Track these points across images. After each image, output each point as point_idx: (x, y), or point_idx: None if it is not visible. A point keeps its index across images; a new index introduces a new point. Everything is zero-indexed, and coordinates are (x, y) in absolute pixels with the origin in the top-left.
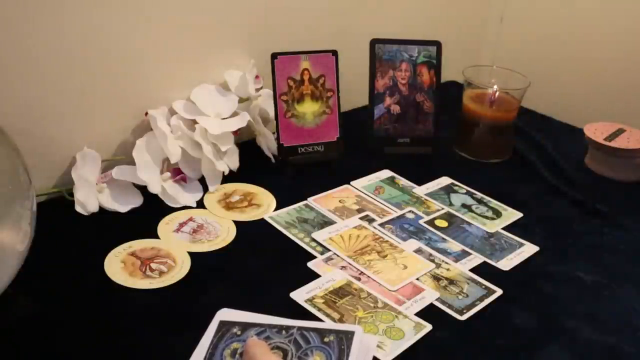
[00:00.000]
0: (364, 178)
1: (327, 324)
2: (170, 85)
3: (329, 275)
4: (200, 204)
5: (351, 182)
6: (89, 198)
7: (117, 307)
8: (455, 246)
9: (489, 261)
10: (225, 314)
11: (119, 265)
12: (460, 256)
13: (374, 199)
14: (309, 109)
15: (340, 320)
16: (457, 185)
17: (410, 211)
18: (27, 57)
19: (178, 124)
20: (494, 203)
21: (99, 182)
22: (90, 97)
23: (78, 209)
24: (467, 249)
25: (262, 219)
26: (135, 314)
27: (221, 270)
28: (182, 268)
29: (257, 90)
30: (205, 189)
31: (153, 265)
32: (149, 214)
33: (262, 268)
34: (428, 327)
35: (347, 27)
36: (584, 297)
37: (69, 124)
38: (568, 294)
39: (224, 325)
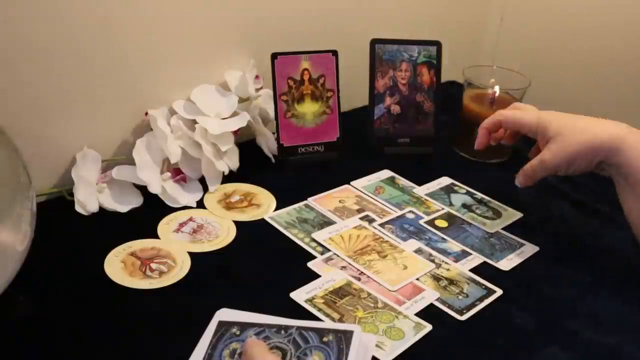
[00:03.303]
0: (364, 178)
1: (326, 323)
2: (170, 85)
3: (329, 276)
4: (200, 204)
5: (351, 182)
6: (89, 198)
7: (117, 307)
8: (455, 246)
9: (489, 261)
10: (224, 314)
11: (119, 265)
12: (460, 256)
13: (374, 199)
14: (309, 109)
15: (341, 321)
16: (457, 186)
17: (410, 211)
18: (27, 57)
19: (178, 124)
20: (494, 203)
21: (99, 182)
22: (90, 97)
23: (78, 209)
24: (467, 249)
25: (262, 219)
26: (135, 314)
27: (221, 271)
28: (182, 268)
29: (257, 90)
30: (205, 189)
31: (153, 266)
32: (149, 214)
33: (262, 268)
34: (428, 327)
35: (347, 27)
36: (584, 297)
37: (69, 124)
38: (568, 294)
39: (223, 326)
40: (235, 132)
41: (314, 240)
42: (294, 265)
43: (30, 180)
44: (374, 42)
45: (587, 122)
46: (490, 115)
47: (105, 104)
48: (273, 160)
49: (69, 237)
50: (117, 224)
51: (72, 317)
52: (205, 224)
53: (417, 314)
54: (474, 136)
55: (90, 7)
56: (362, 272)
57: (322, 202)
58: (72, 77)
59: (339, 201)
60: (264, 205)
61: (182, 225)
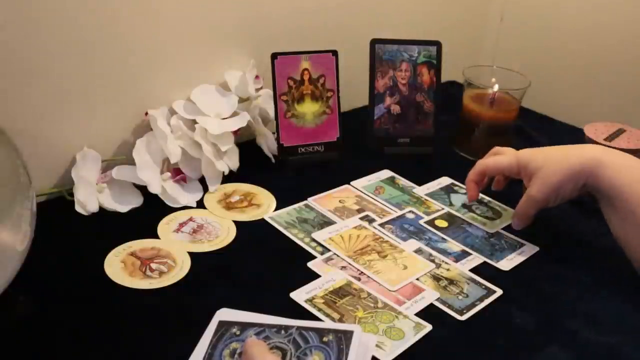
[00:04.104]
0: (364, 178)
1: (326, 323)
2: (170, 85)
3: (329, 276)
4: (200, 204)
5: (351, 182)
6: (89, 198)
7: (117, 307)
8: (455, 246)
9: (489, 261)
10: (225, 314)
11: (119, 265)
12: (460, 256)
13: (374, 199)
14: (309, 109)
15: (341, 321)
16: (457, 185)
17: (410, 211)
18: (27, 57)
19: (178, 124)
20: (494, 203)
21: (99, 182)
22: (90, 97)
23: (78, 209)
24: (467, 249)
25: (262, 219)
26: (135, 314)
27: (221, 271)
28: (182, 268)
29: (257, 90)
30: (205, 189)
31: (153, 266)
32: (149, 214)
33: (262, 268)
34: (428, 327)
35: (347, 27)
36: (584, 297)
37: (69, 124)
38: (568, 294)
39: (223, 325)
40: (235, 132)
41: (314, 240)
42: (294, 265)
43: (30, 180)
44: (374, 42)
45: (562, 150)
46: (472, 168)
47: (105, 104)
48: (273, 160)
49: (69, 237)
50: (117, 224)
51: (72, 317)
52: (205, 224)
53: (417, 314)
54: (474, 136)
55: (91, 7)
56: (362, 272)
57: (322, 202)
58: (72, 77)
59: (339, 201)
60: (264, 205)
61: (182, 225)
